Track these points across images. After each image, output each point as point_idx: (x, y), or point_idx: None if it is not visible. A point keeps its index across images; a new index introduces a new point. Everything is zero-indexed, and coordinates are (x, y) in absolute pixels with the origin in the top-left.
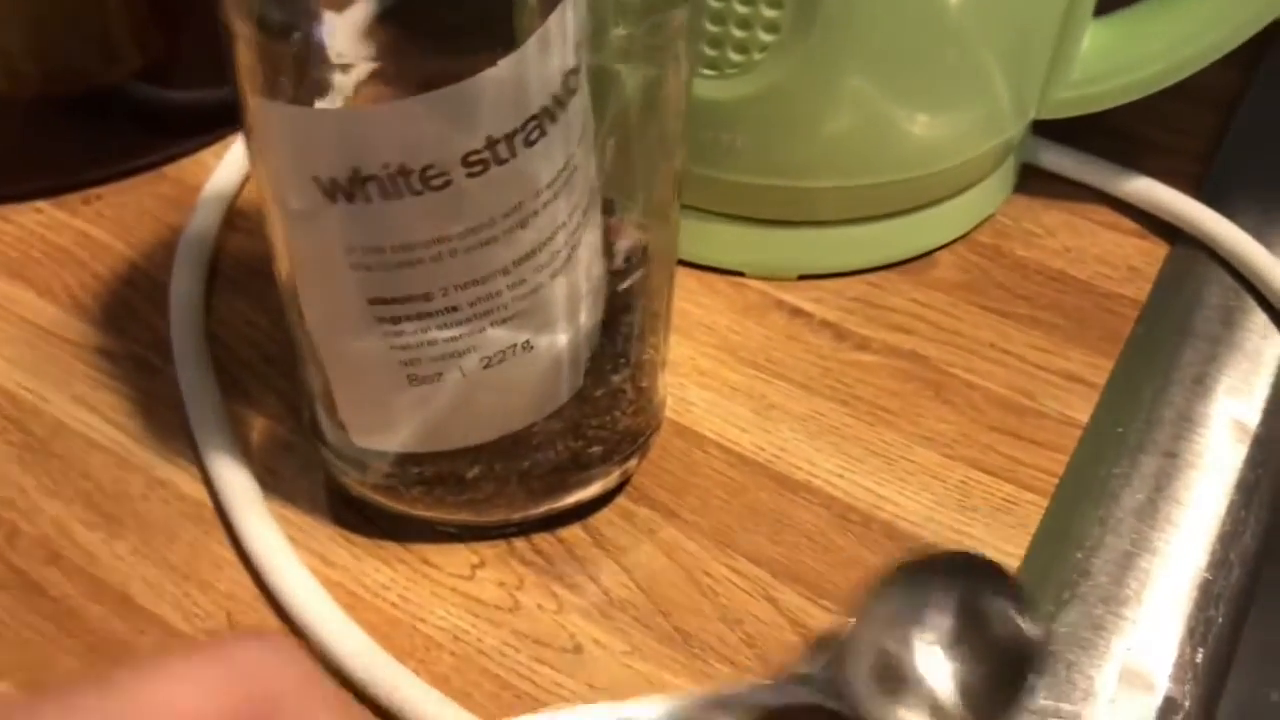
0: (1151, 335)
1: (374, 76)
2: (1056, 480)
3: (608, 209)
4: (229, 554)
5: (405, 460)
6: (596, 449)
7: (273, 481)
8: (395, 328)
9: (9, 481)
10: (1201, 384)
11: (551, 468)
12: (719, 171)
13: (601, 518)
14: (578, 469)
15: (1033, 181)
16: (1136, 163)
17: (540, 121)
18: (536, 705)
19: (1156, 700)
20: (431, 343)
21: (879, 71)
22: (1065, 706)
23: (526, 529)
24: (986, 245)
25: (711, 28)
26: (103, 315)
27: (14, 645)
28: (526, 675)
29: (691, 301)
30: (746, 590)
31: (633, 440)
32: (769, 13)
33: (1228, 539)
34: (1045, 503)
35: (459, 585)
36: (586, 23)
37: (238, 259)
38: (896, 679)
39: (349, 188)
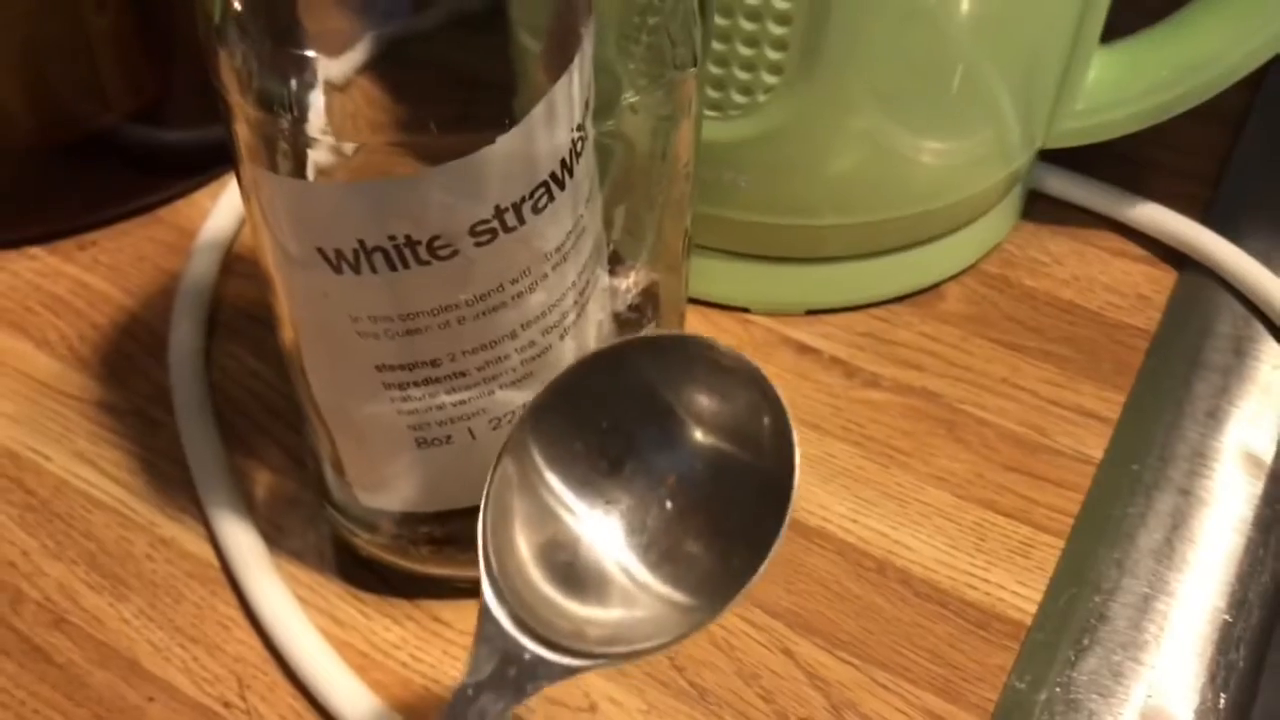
0: (1163, 367)
1: (374, 147)
2: (1072, 520)
3: (616, 260)
4: (236, 614)
5: (414, 519)
6: None
7: (279, 537)
8: (403, 393)
9: (11, 544)
10: (1214, 417)
11: None
12: (724, 210)
13: None
14: None
15: (1039, 208)
16: (1142, 186)
17: (548, 188)
18: None
19: None
20: (440, 407)
21: (884, 110)
22: None
23: None
24: (994, 276)
25: (715, 70)
26: (102, 367)
27: (21, 718)
28: None
29: None
30: (762, 643)
31: None
32: (773, 55)
33: (1246, 578)
34: (1061, 544)
35: (469, 644)
36: (593, 87)
37: (237, 305)
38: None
39: (354, 259)
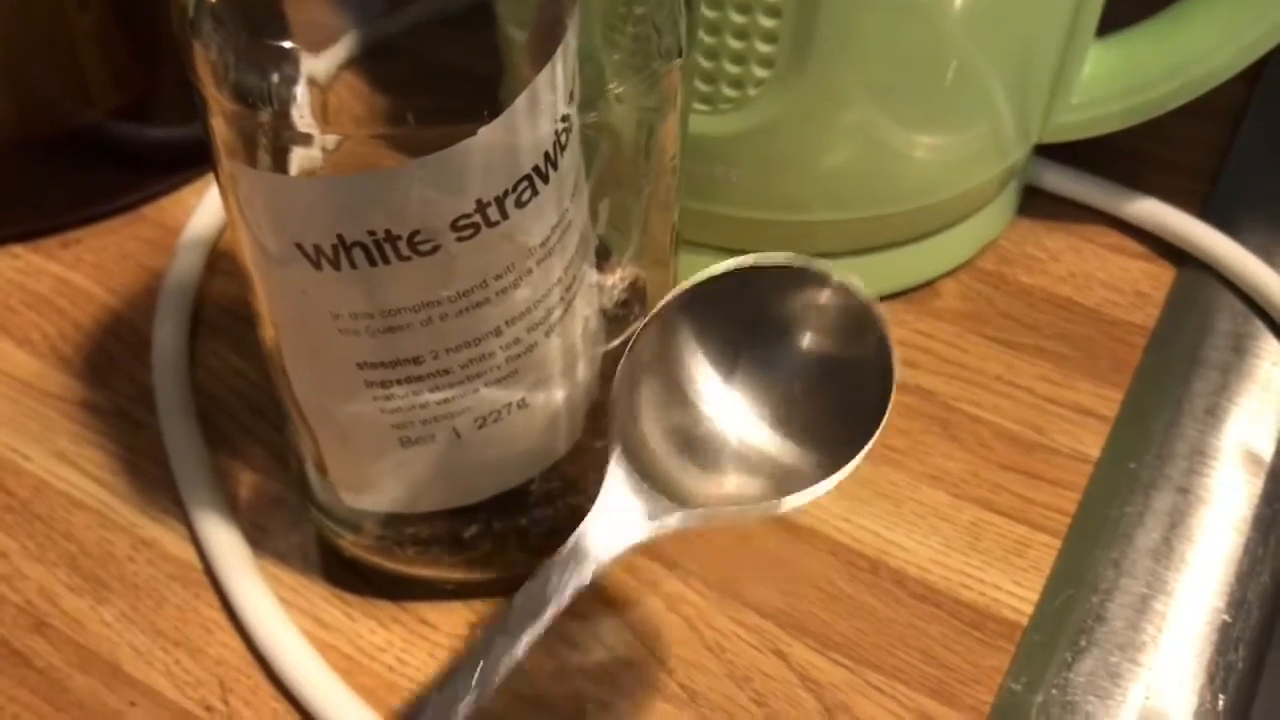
0: (1161, 365)
1: (355, 140)
2: (1069, 520)
3: (603, 255)
4: (219, 616)
5: (399, 520)
6: None
7: (262, 539)
8: (385, 391)
9: None
10: (1213, 415)
11: (551, 524)
12: (714, 205)
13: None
14: (578, 524)
15: (1034, 203)
16: (1139, 181)
17: (532, 181)
18: None
19: None
20: (423, 405)
21: (877, 103)
22: None
23: None
24: (990, 272)
25: (705, 63)
26: (84, 366)
27: None
28: None
29: None
30: (754, 645)
31: None
32: (764, 48)
33: (1245, 578)
34: (1058, 544)
35: (458, 645)
36: (578, 78)
37: (221, 304)
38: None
39: (334, 254)
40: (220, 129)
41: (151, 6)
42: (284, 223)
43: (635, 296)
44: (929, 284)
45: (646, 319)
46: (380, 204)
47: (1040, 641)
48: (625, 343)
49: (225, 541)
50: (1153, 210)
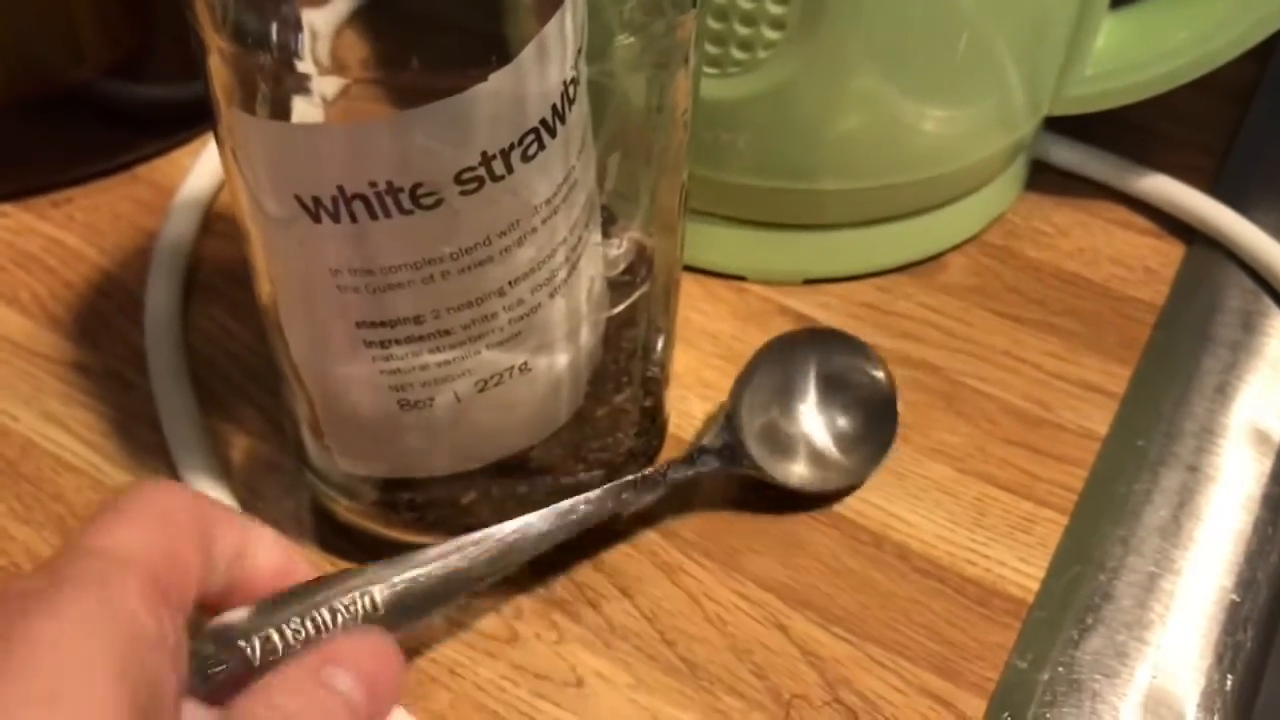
0: (1170, 342)
1: (360, 89)
2: (1076, 497)
3: (609, 220)
4: None
5: (396, 486)
6: (597, 472)
7: (255, 504)
8: (384, 351)
9: None
10: (1223, 393)
11: (550, 492)
12: (721, 173)
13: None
14: (578, 493)
15: (1044, 178)
16: (1149, 157)
17: (538, 135)
18: None
19: None
20: (423, 367)
21: (889, 69)
22: None
23: None
24: (997, 246)
25: (714, 24)
26: (75, 327)
27: None
28: (526, 711)
29: (693, 308)
30: (755, 617)
31: (636, 461)
32: (775, 9)
33: (1254, 558)
34: (1064, 520)
35: (453, 615)
36: (586, 29)
37: (216, 266)
38: (782, 438)
39: (334, 207)
40: (219, 73)
41: None
42: (282, 173)
43: (641, 262)
44: (936, 258)
45: (768, 343)
46: (382, 154)
47: (1046, 619)
48: (631, 308)
49: None
50: (1162, 186)
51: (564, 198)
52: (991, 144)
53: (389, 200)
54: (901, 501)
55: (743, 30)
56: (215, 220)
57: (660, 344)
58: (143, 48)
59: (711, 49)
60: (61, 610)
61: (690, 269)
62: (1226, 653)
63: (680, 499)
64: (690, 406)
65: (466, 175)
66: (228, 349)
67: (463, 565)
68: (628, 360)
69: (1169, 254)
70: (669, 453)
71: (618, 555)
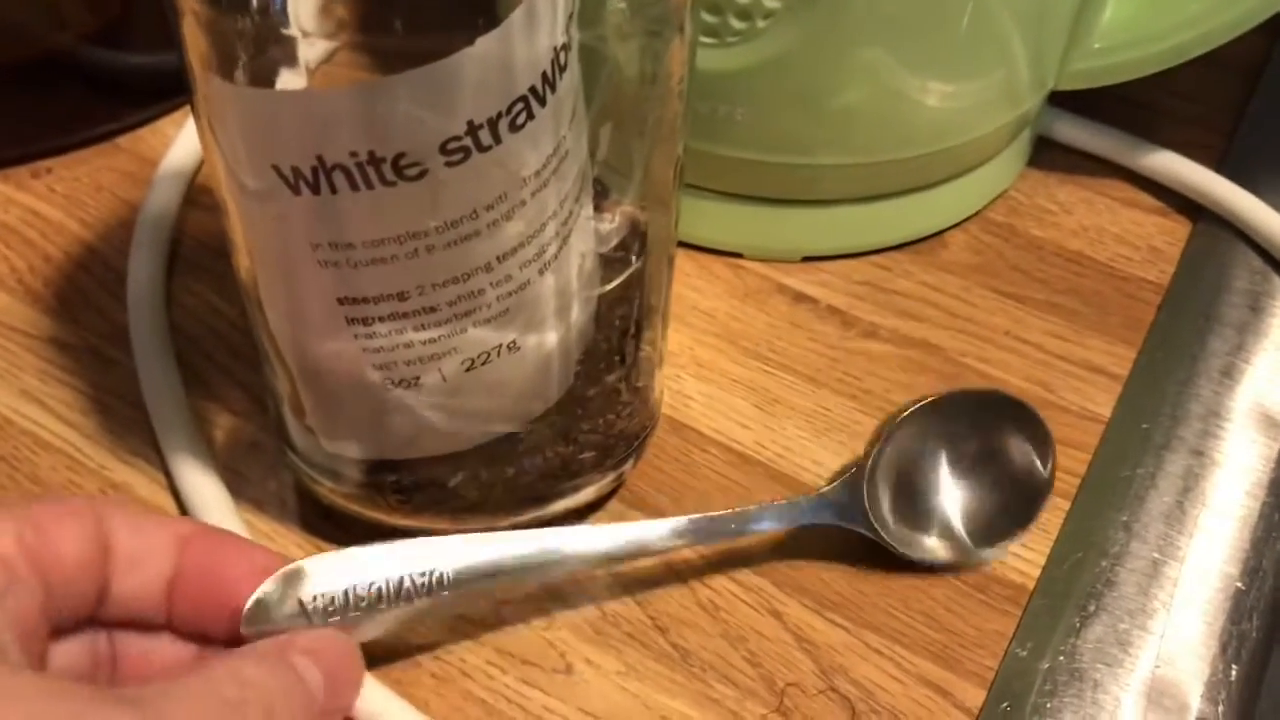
0: (1175, 323)
1: (340, 55)
2: (1078, 481)
3: (601, 194)
4: None
5: (381, 467)
6: (589, 454)
7: (239, 485)
8: (367, 329)
9: None
10: (1229, 376)
11: (540, 474)
12: (718, 146)
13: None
14: (568, 475)
15: (1047, 154)
16: (1155, 134)
17: (527, 103)
18: None
19: None
20: (408, 345)
21: (891, 40)
22: None
23: None
24: (1000, 224)
25: None
26: (55, 301)
27: None
28: (514, 699)
29: (688, 286)
30: (749, 603)
31: (628, 443)
32: None
33: (1260, 544)
34: (1067, 505)
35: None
36: None
37: (200, 240)
38: (914, 507)
39: (313, 178)
40: (193, 39)
41: None
42: (260, 143)
43: (634, 238)
44: (937, 235)
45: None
46: (363, 122)
47: (1047, 606)
48: (623, 285)
49: (202, 486)
50: (1168, 163)
51: (554, 170)
52: (995, 119)
53: (371, 171)
54: None
55: None
56: (199, 192)
57: (654, 322)
58: (126, 14)
59: (708, 17)
60: None
61: (685, 245)
62: (1231, 641)
63: None
64: (685, 386)
65: (452, 145)
66: (211, 325)
67: (543, 557)
68: (620, 339)
69: (1175, 232)
70: (666, 436)
71: None
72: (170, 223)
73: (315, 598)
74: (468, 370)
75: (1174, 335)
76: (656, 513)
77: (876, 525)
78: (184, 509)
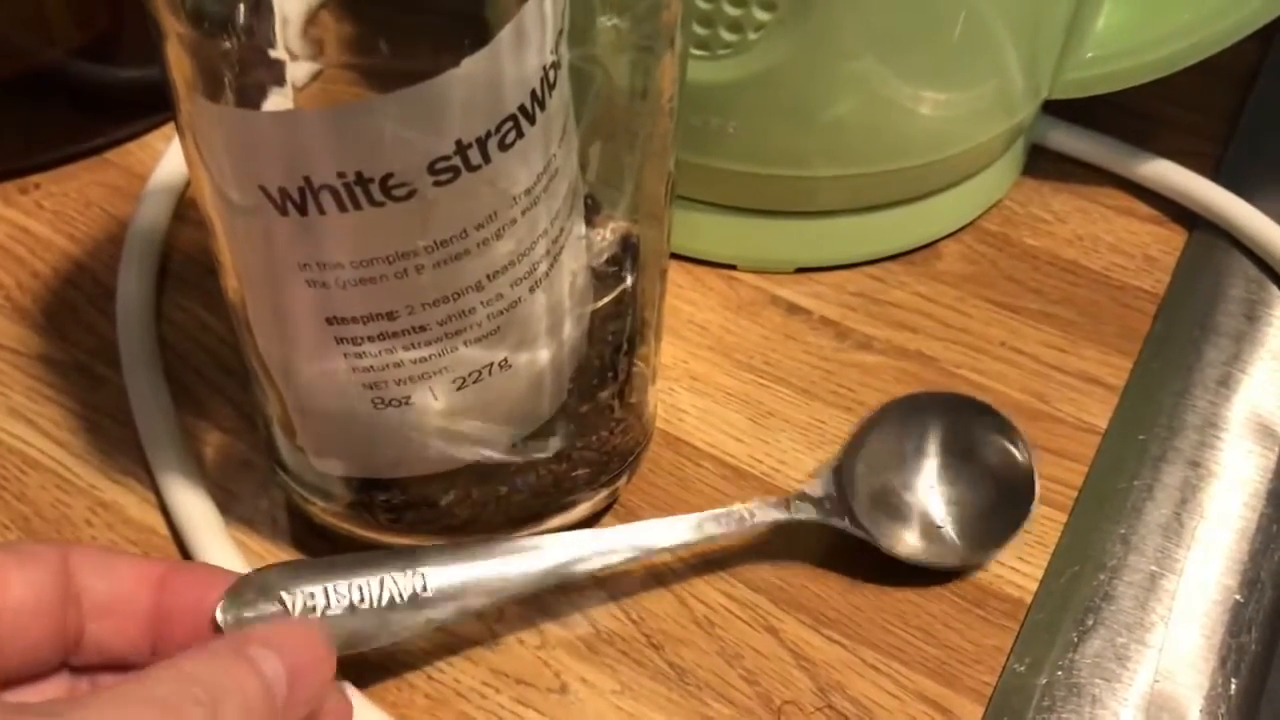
0: (1171, 332)
1: (327, 75)
2: (1075, 493)
3: (592, 209)
4: None
5: (372, 486)
6: (582, 471)
7: (230, 503)
8: (357, 349)
9: None
10: (1226, 385)
11: (533, 492)
12: (710, 159)
13: None
14: (561, 493)
15: (1041, 162)
16: (1150, 141)
17: (516, 122)
18: None
19: None
20: (398, 364)
21: (882, 53)
22: None
23: None
24: (994, 234)
25: (702, 4)
26: (43, 318)
27: None
28: (507, 719)
29: (681, 298)
30: (745, 620)
31: (621, 459)
32: None
33: (1258, 556)
34: (1063, 518)
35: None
36: (568, 11)
37: (189, 255)
38: (895, 502)
39: (300, 198)
40: (178, 60)
41: None
42: (246, 164)
43: (626, 253)
44: (930, 245)
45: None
46: (351, 142)
47: (1045, 621)
48: (616, 301)
49: (193, 505)
50: (1163, 171)
51: (544, 187)
52: (988, 129)
53: (359, 191)
54: None
55: (732, 10)
56: (188, 207)
57: (647, 337)
58: (113, 28)
59: (699, 30)
60: None
61: (678, 257)
62: (1230, 655)
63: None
64: (678, 400)
65: (441, 165)
66: (201, 342)
67: (517, 572)
68: (613, 354)
69: (1170, 241)
70: (659, 450)
71: None
72: (160, 238)
73: (296, 594)
74: (459, 389)
75: (1170, 345)
76: None
77: (859, 516)
78: (174, 528)
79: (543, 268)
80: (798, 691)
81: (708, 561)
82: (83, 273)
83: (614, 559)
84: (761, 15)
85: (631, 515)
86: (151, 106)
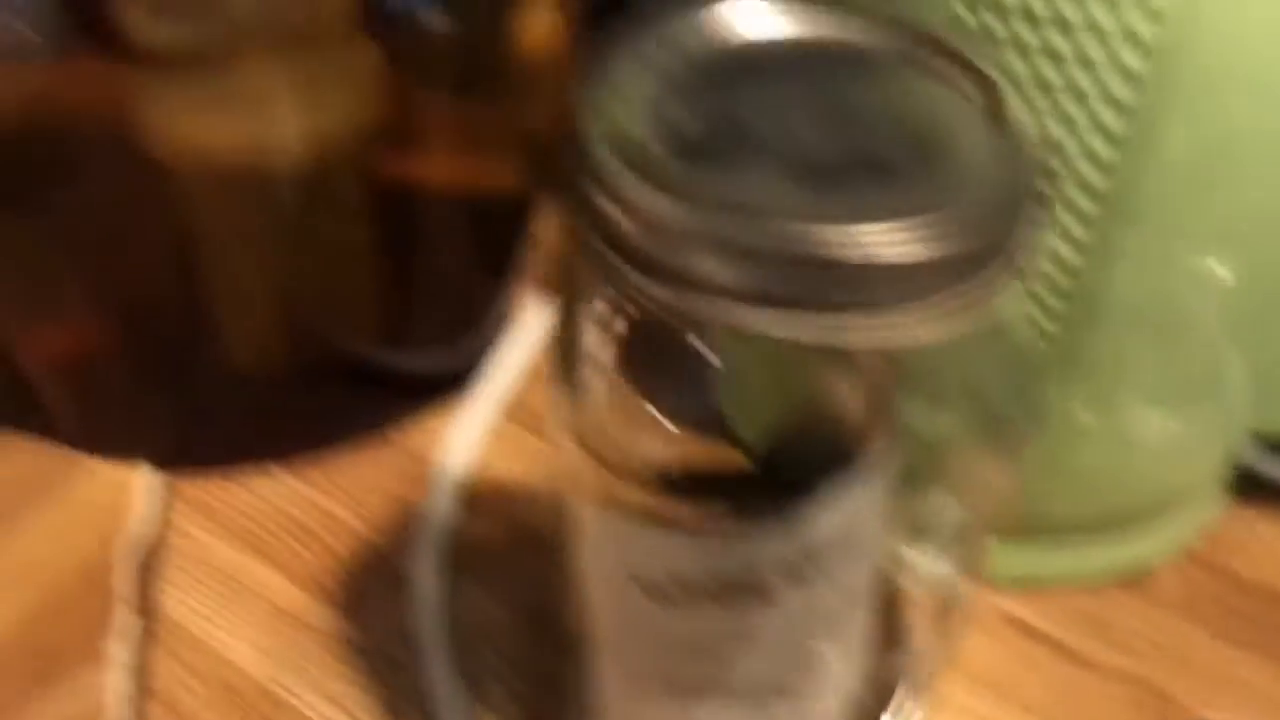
0: None
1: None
2: None
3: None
4: None
5: None
6: None
7: None
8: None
9: None
10: None
11: None
12: None
13: None
14: None
15: (1255, 489)
16: None
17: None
18: None
19: None
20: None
21: (1131, 402)
22: None
23: None
24: (1208, 560)
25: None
26: (343, 599)
27: None
28: None
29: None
30: None
31: None
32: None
33: None
34: None
35: None
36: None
37: (476, 546)
38: None
39: (667, 592)
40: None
41: (426, 244)
42: (622, 559)
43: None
44: (1146, 569)
45: None
46: (725, 560)
47: None
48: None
49: None
50: None
51: (869, 582)
52: (1211, 456)
53: (723, 592)
54: None
55: None
56: (475, 497)
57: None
58: (405, 319)
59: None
60: None
61: None
62: None
63: None
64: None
65: (791, 571)
66: (489, 635)
67: None
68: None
69: None
70: None
71: None
72: (449, 528)
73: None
74: None
75: None
76: None
77: None
78: None
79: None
80: None
81: None
82: (377, 557)
83: None
84: None
85: None
86: (432, 390)
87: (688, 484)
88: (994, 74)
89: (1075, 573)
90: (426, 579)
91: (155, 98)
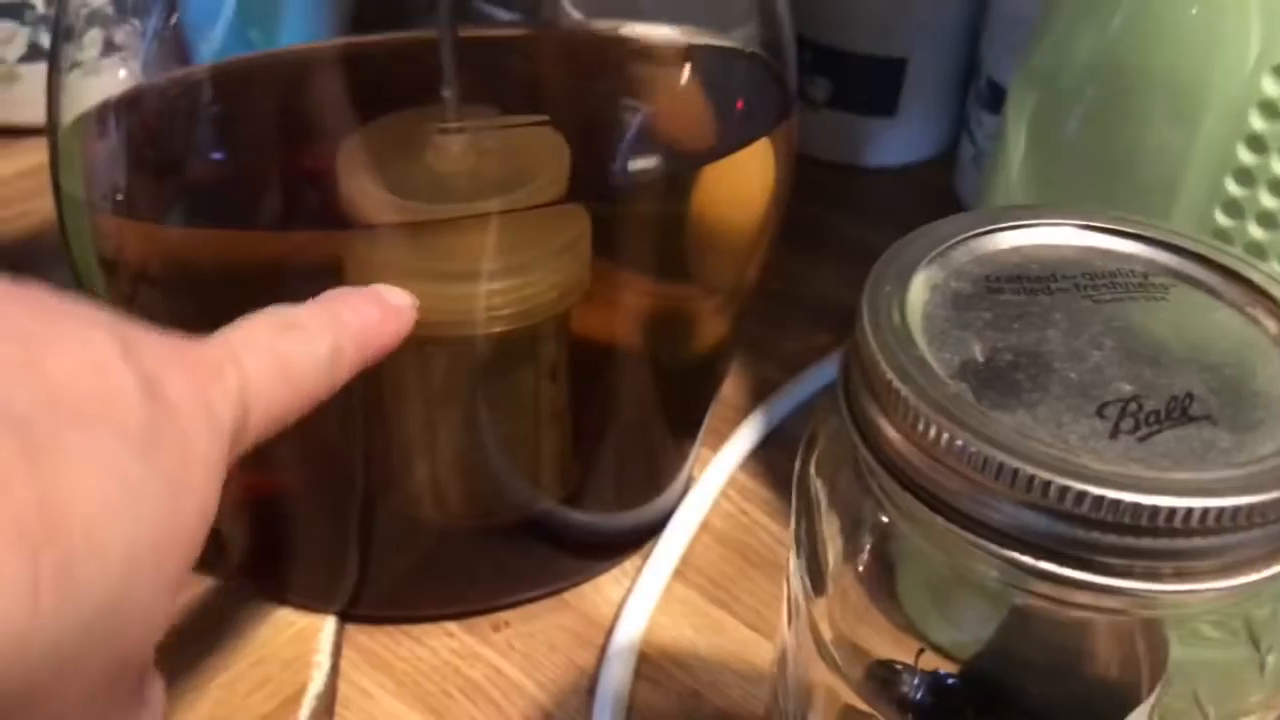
0: None
1: None
2: None
3: None
4: None
5: None
6: None
7: None
8: None
9: None
10: None
11: None
12: None
13: None
14: None
15: None
16: None
17: None
18: None
19: None
20: None
21: None
22: None
23: None
24: None
25: None
26: None
27: None
28: None
29: None
30: None
31: None
32: None
33: None
34: None
35: None
36: None
37: (649, 715)
38: None
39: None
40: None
41: (612, 406)
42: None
43: None
44: None
45: None
46: None
47: None
48: None
49: None
50: None
51: None
52: None
53: None
54: None
55: None
56: (648, 665)
57: None
58: (585, 481)
59: None
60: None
61: None
62: None
63: None
64: None
65: None
66: None
67: None
68: None
69: None
70: None
71: None
72: (625, 701)
73: None
74: None
75: None
76: None
77: None
78: None
79: None
80: None
81: None
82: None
83: None
84: None
85: None
86: (608, 551)
87: (933, 712)
88: None
89: None
90: None
91: (364, 261)
